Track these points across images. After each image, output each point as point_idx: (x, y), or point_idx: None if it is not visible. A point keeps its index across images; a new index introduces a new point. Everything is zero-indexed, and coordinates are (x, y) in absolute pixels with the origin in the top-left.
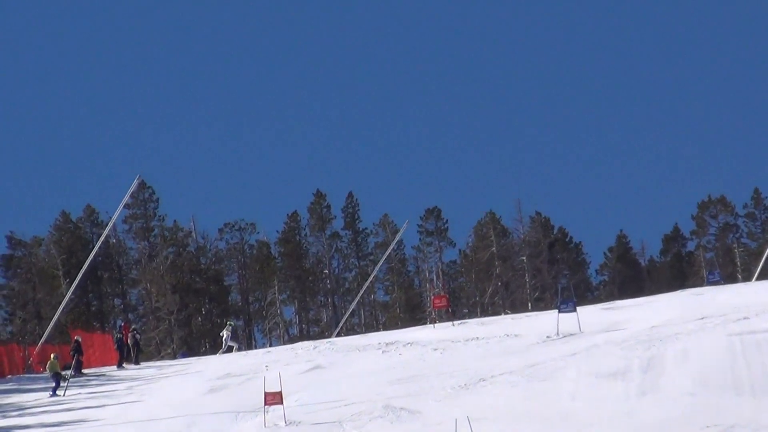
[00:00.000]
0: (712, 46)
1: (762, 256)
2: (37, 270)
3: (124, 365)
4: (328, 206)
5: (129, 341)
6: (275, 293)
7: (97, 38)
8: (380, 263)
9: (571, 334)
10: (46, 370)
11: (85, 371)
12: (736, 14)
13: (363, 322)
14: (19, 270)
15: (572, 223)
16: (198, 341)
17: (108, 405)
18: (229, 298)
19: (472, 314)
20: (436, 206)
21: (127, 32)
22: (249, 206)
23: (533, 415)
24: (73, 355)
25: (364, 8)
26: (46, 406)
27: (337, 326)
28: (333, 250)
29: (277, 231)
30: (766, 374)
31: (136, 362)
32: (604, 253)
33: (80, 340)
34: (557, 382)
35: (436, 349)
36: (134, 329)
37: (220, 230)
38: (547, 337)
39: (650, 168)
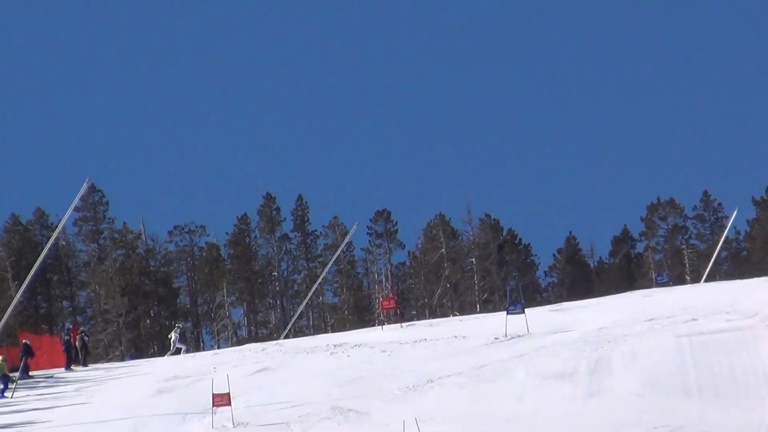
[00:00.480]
0: (659, 47)
1: (711, 258)
2: None
3: (72, 367)
4: (278, 209)
5: (77, 343)
6: (224, 295)
7: (45, 40)
8: (329, 265)
9: (519, 336)
10: None
11: (32, 373)
12: (681, 17)
13: (311, 323)
14: None
15: (521, 225)
16: (146, 343)
17: (56, 407)
18: (178, 301)
19: (420, 316)
20: (386, 208)
21: (74, 34)
22: (199, 209)
23: (481, 417)
24: (22, 357)
25: (310, 7)
26: None
27: (285, 328)
28: (282, 253)
29: (227, 233)
30: (714, 375)
31: (84, 364)
32: (553, 255)
33: (29, 342)
34: (505, 383)
35: (384, 351)
36: (83, 331)
37: (170, 233)
38: (496, 338)
39: (599, 170)
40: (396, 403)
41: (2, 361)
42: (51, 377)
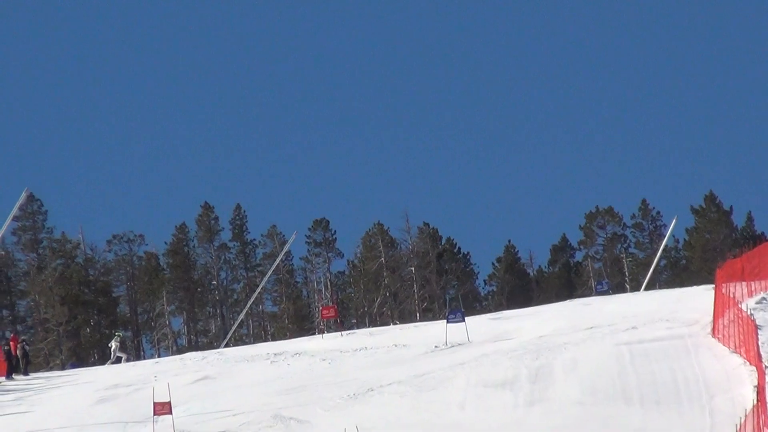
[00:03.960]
0: (595, 57)
1: (650, 267)
2: None
3: (13, 376)
4: (216, 218)
5: (18, 352)
6: (163, 304)
7: None
8: (268, 274)
9: (460, 344)
10: None
11: None
12: (621, 25)
13: (251, 332)
14: None
15: (460, 234)
16: (87, 352)
17: None
18: (118, 310)
19: (360, 325)
20: (324, 217)
21: (8, 42)
22: (137, 218)
23: (422, 425)
24: None
25: (242, 14)
26: None
27: (225, 337)
28: (221, 262)
29: (166, 242)
30: (654, 383)
31: (26, 373)
32: (492, 264)
33: None
34: (445, 391)
35: (324, 359)
36: (23, 340)
37: (109, 242)
38: (436, 346)
39: (538, 178)
40: (337, 412)
41: None
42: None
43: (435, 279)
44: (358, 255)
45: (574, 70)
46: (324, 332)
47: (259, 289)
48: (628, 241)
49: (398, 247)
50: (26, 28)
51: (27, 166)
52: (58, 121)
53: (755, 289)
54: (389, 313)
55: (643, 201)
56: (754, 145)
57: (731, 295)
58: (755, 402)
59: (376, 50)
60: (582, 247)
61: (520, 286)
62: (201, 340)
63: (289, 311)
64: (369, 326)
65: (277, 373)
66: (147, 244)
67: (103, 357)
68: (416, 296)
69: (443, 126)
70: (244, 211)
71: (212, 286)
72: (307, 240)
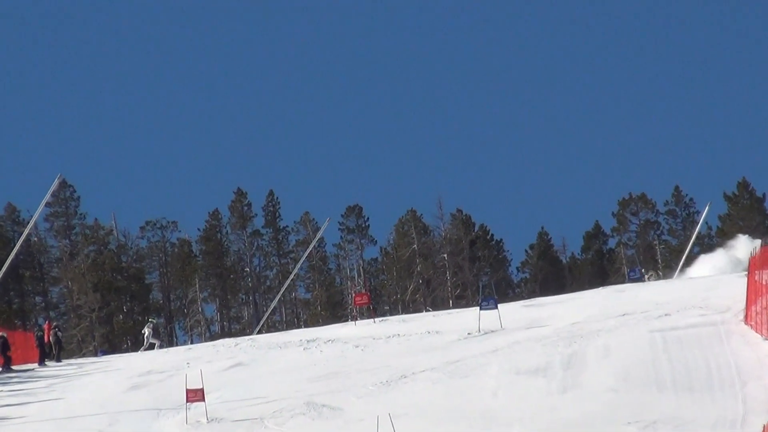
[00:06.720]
0: (629, 43)
1: (683, 253)
2: None
3: (45, 362)
4: (249, 204)
5: (51, 339)
6: (196, 291)
7: (11, 35)
8: (301, 261)
9: (493, 331)
10: None
11: (14, 368)
12: (649, 13)
13: (284, 319)
14: None
15: (493, 221)
16: (119, 339)
17: (30, 402)
18: (151, 296)
19: (393, 311)
20: (357, 204)
21: (40, 29)
22: (170, 204)
23: (454, 412)
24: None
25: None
26: None
27: (258, 323)
28: (254, 248)
29: (199, 229)
30: (688, 370)
31: (58, 360)
32: (525, 251)
33: (5, 336)
34: (478, 378)
35: (357, 346)
36: (56, 326)
37: (142, 228)
38: (469, 333)
39: (571, 165)
40: (369, 399)
41: None
42: (24, 372)
43: (468, 266)
44: (391, 242)
45: (608, 55)
46: (357, 319)
47: (291, 276)
48: (661, 228)
49: (431, 233)
50: (60, 17)
51: (60, 151)
52: (90, 107)
53: None
54: (422, 299)
55: (676, 188)
56: None
57: (764, 282)
58: None
59: (408, 37)
60: (615, 233)
61: (553, 273)
62: (234, 326)
63: (321, 298)
64: (402, 313)
65: (310, 360)
66: (180, 231)
67: (135, 343)
68: (449, 283)
69: (476, 112)
70: (277, 198)
71: (245, 273)
72: (340, 227)
